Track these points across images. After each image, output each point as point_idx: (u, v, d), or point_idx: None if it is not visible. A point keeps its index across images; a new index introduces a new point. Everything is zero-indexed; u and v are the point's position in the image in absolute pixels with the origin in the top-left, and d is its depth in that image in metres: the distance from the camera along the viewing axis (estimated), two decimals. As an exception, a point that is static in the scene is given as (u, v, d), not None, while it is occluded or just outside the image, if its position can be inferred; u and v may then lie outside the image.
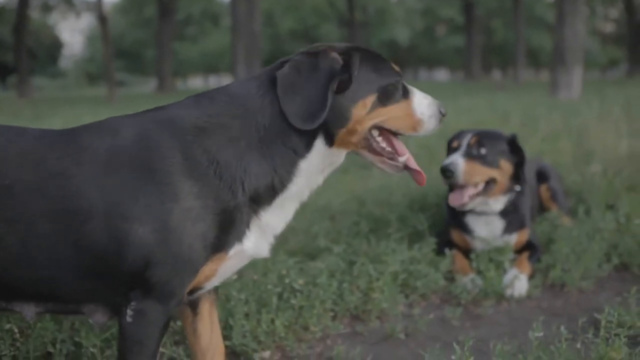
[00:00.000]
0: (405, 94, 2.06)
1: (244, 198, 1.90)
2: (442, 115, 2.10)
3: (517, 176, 3.67)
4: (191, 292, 1.99)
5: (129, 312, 1.86)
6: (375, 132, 2.04)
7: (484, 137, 3.61)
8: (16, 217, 1.82)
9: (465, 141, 3.61)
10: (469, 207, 3.60)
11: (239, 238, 1.93)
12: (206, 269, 1.91)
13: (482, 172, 3.56)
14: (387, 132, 2.06)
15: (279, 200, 1.98)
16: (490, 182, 3.59)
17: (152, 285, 1.84)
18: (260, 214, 1.96)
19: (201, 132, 1.89)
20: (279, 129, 1.92)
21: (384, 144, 2.07)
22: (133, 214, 1.80)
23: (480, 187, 3.58)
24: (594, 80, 29.02)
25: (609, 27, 52.35)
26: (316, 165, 1.99)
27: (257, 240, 1.98)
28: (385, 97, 2.00)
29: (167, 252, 1.81)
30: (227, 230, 1.89)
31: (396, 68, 2.07)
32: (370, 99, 1.97)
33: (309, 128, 1.89)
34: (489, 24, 46.98)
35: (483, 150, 3.57)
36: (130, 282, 1.85)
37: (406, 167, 2.11)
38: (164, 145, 1.86)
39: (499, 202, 3.67)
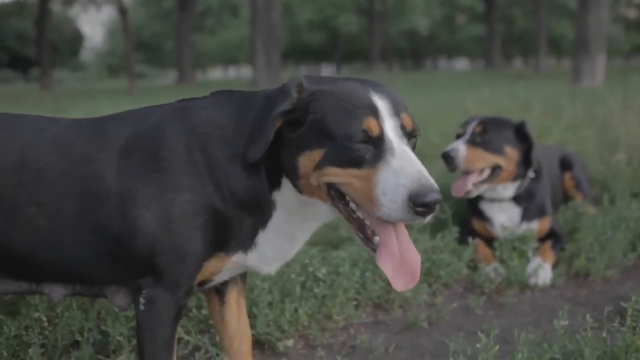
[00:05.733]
0: (375, 161, 1.69)
1: (233, 205, 1.86)
2: (415, 207, 1.61)
3: (526, 163, 3.66)
4: (201, 284, 2.00)
5: (142, 300, 1.89)
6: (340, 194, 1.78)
7: (488, 124, 3.63)
8: (46, 200, 1.89)
9: (470, 128, 3.63)
10: (473, 194, 3.62)
11: (244, 248, 1.92)
12: (210, 265, 1.91)
13: (485, 159, 3.57)
14: None
15: (271, 227, 1.92)
16: (495, 169, 3.61)
17: (160, 272, 1.86)
18: (258, 234, 1.93)
19: (205, 129, 1.88)
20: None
21: (355, 209, 1.77)
22: (142, 200, 1.84)
23: (485, 174, 3.60)
24: (618, 67, 28.58)
25: (632, 13, 51.46)
26: (294, 207, 1.89)
27: (259, 259, 1.97)
28: (338, 157, 1.71)
29: (169, 241, 1.83)
30: (225, 232, 1.88)
31: (374, 129, 1.70)
32: (317, 154, 1.74)
33: (251, 160, 1.78)
34: (510, 13, 46.47)
35: (487, 137, 3.59)
36: (141, 268, 1.88)
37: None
38: (171, 135, 1.88)
39: (508, 189, 3.68)
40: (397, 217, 1.65)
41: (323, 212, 1.89)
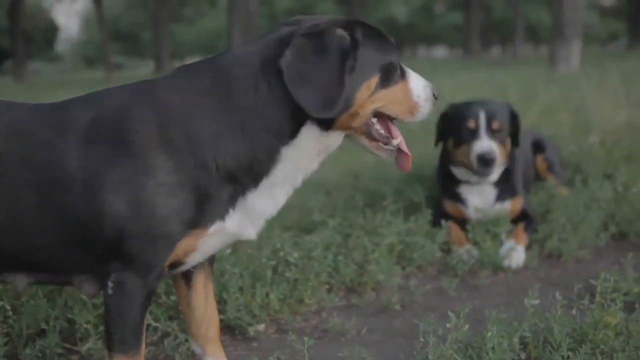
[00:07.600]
0: (402, 74, 1.97)
1: (219, 177, 1.83)
2: (435, 98, 2.01)
3: (513, 144, 3.67)
4: (173, 266, 1.96)
5: (110, 284, 1.85)
6: (373, 118, 1.94)
7: (498, 115, 3.57)
8: (5, 188, 1.83)
9: (482, 121, 3.54)
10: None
11: (221, 216, 1.88)
12: (183, 244, 1.86)
13: (503, 154, 3.57)
14: (384, 116, 1.97)
15: (265, 184, 1.90)
16: None
17: (129, 257, 1.82)
18: (246, 195, 1.90)
19: (179, 106, 1.83)
20: (262, 114, 1.82)
21: (379, 127, 1.98)
22: (109, 185, 1.78)
23: None
24: (594, 53, 28.79)
25: (608, 1, 51.87)
26: (305, 151, 1.89)
27: (241, 221, 1.93)
28: (387, 77, 1.90)
29: (141, 225, 1.78)
30: (204, 206, 1.84)
31: (393, 42, 1.97)
32: (374, 81, 1.86)
33: (330, 116, 1.79)
34: (488, 0, 46.57)
35: (501, 132, 3.56)
36: (109, 254, 1.83)
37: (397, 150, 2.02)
38: (140, 115, 1.82)
39: (496, 172, 3.66)
40: (427, 112, 2.00)
41: (332, 145, 1.96)
